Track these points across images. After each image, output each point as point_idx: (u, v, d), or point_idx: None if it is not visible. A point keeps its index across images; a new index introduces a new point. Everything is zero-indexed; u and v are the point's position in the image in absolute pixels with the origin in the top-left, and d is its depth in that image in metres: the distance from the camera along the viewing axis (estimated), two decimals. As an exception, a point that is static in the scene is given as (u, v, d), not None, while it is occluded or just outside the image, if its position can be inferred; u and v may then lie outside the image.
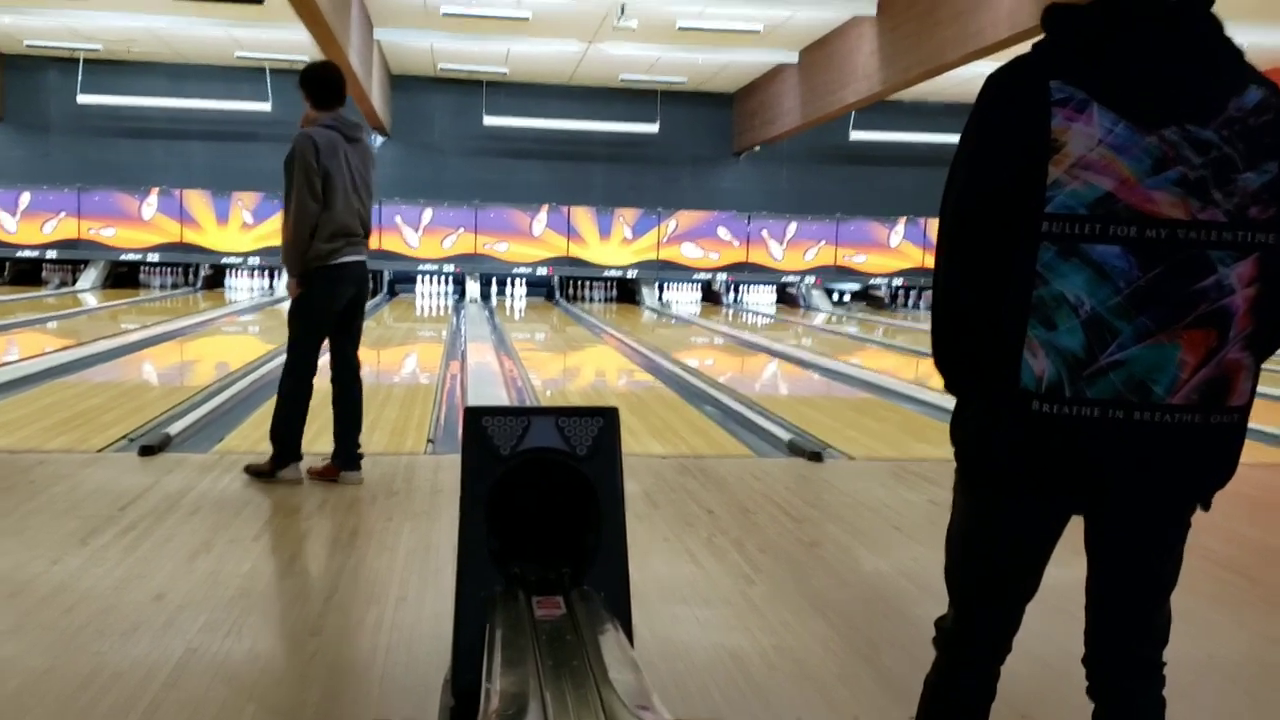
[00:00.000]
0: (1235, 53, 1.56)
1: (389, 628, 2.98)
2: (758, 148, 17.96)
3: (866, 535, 4.14)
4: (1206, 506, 1.69)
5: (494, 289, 18.03)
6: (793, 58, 15.04)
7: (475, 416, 2.23)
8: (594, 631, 1.91)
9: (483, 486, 2.19)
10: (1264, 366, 1.65)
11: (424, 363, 10.09)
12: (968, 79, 14.94)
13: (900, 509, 4.56)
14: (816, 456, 5.47)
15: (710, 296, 18.63)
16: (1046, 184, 1.51)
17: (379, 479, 4.69)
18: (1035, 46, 1.59)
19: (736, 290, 18.83)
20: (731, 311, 17.71)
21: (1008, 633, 1.80)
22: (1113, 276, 1.51)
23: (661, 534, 4.03)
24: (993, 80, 1.60)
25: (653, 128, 18.05)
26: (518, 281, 18.19)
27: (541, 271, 18.07)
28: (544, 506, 2.28)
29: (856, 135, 17.67)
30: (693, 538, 3.99)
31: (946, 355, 1.71)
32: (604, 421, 2.27)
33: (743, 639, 3.01)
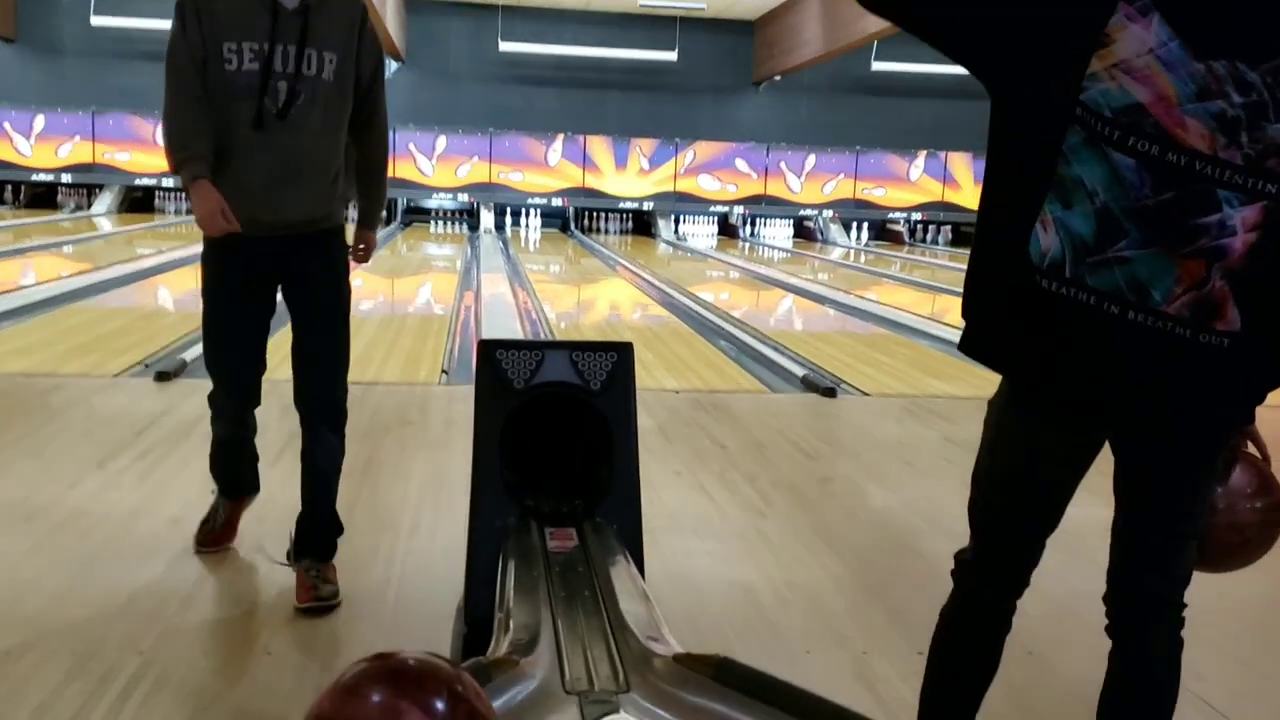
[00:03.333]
0: None
1: (402, 557, 3.00)
2: (778, 77, 17.69)
3: (878, 471, 4.14)
4: (1230, 429, 1.67)
5: (508, 219, 17.94)
6: (815, -15, 14.75)
7: (489, 349, 2.22)
8: (605, 563, 1.92)
9: (496, 419, 2.19)
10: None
11: (438, 293, 10.07)
12: (993, 9, 14.65)
13: (913, 445, 4.55)
14: (830, 392, 5.46)
15: (727, 230, 18.50)
16: (1085, 73, 1.51)
17: (393, 409, 4.70)
18: None
19: (753, 224, 18.69)
20: (748, 246, 17.59)
21: (1026, 566, 1.80)
22: (1126, 185, 1.52)
23: (674, 468, 4.03)
24: None
25: (671, 55, 17.77)
26: (532, 212, 18.08)
27: (557, 202, 17.95)
28: (557, 440, 2.28)
29: (878, 66, 17.37)
30: (705, 472, 4.00)
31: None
32: (618, 356, 2.27)
33: (754, 573, 3.02)
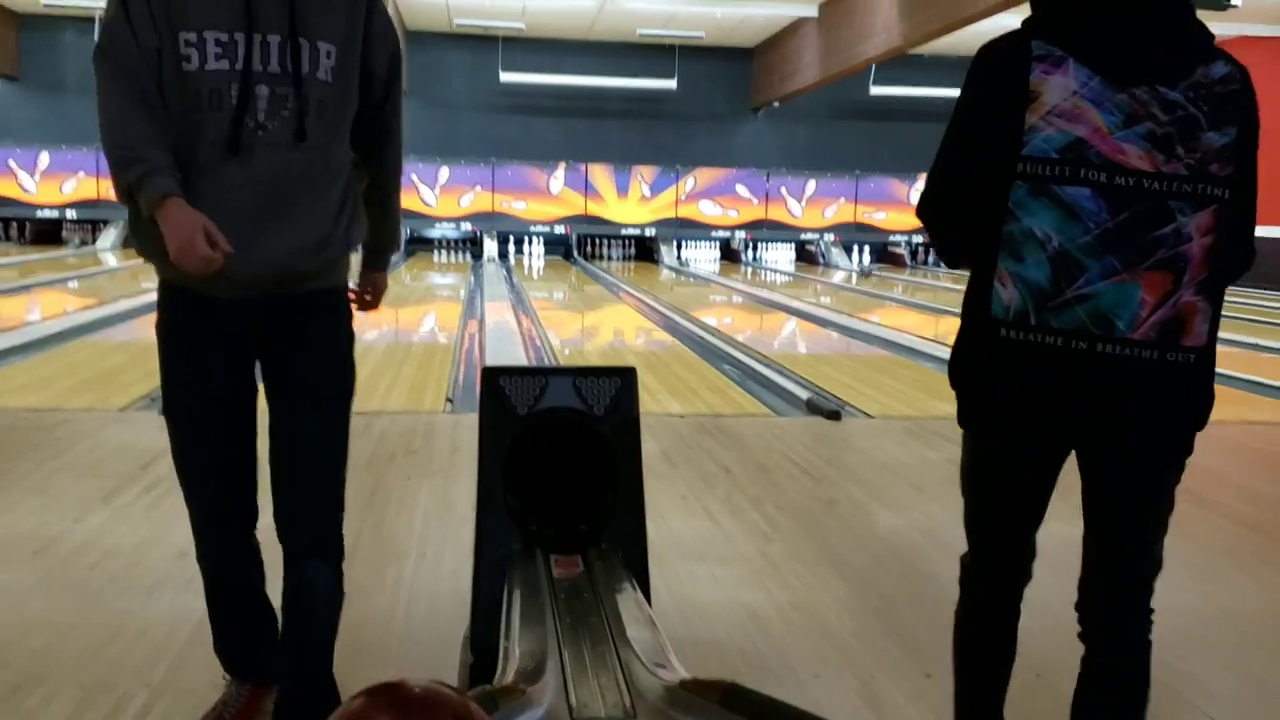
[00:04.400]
0: (1202, 29, 1.69)
1: (409, 585, 3.01)
2: (776, 103, 17.78)
3: (884, 493, 4.14)
4: (1186, 451, 1.76)
5: (511, 247, 18.00)
6: (812, 11, 14.84)
7: (493, 376, 2.23)
8: (611, 590, 1.92)
9: (500, 446, 2.19)
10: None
11: (442, 321, 10.10)
12: (989, 33, 14.66)
13: (918, 467, 4.55)
14: (835, 415, 5.46)
15: (729, 255, 18.54)
16: (1024, 130, 1.66)
17: (398, 437, 4.70)
18: (1024, 21, 1.75)
19: (755, 248, 18.73)
20: (750, 270, 17.63)
21: (1024, 559, 1.92)
22: (1083, 217, 1.64)
23: (680, 492, 4.03)
24: (985, 45, 1.77)
25: (671, 84, 17.88)
26: (535, 240, 18.15)
27: (559, 230, 18.02)
28: (562, 466, 2.28)
29: (877, 90, 17.46)
30: (711, 496, 4.00)
31: (938, 230, 1.86)
32: (622, 381, 2.27)
33: (760, 597, 3.02)
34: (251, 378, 2.06)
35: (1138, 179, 1.63)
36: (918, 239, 18.68)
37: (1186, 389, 1.69)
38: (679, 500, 3.94)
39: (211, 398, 2.01)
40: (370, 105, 2.02)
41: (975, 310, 1.74)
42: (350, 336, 2.09)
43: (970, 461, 1.88)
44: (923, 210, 1.85)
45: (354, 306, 2.14)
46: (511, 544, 2.13)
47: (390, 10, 15.03)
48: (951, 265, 1.91)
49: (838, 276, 16.79)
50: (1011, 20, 13.19)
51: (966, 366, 1.80)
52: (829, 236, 18.56)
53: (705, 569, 3.23)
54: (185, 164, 1.84)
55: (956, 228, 1.79)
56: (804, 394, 5.97)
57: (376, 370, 6.40)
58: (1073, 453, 1.79)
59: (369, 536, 3.38)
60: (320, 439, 2.03)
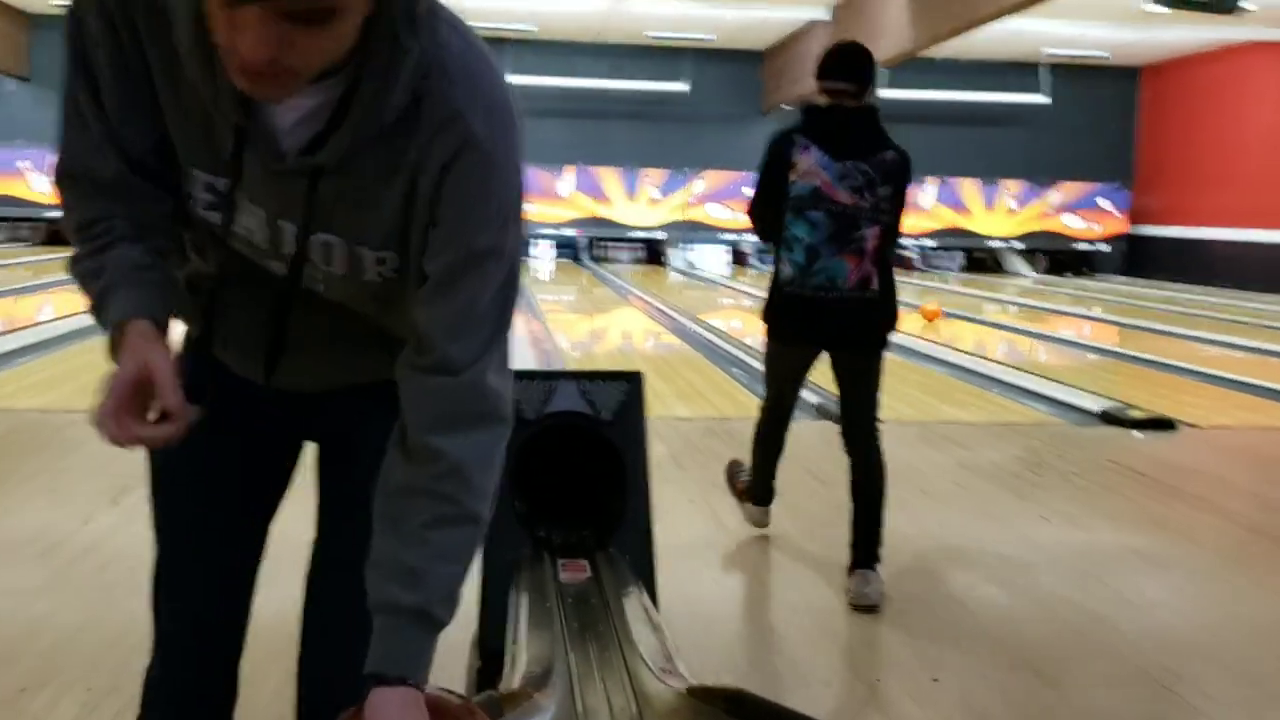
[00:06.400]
0: (882, 134, 3.12)
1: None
2: (787, 106, 17.76)
3: (892, 498, 4.11)
4: (883, 345, 3.19)
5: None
6: (825, 14, 14.83)
7: (500, 380, 2.22)
8: (618, 595, 1.92)
9: (508, 450, 2.19)
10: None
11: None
12: (1000, 36, 14.73)
13: (927, 472, 4.54)
14: (843, 419, 5.45)
15: (738, 258, 18.53)
16: (789, 182, 3.06)
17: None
18: (794, 125, 3.15)
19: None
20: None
21: (793, 403, 3.55)
22: (819, 227, 3.04)
23: (688, 495, 4.03)
24: (773, 136, 3.20)
25: (682, 86, 17.88)
26: (544, 243, 18.16)
27: (569, 232, 18.03)
28: (569, 470, 2.28)
29: (887, 94, 17.39)
30: (719, 500, 3.99)
31: (760, 231, 3.31)
32: (629, 386, 2.27)
33: (768, 601, 3.01)
34: (285, 461, 1.54)
35: (844, 208, 3.03)
36: (929, 243, 18.65)
37: (876, 311, 3.13)
38: (687, 503, 3.94)
39: (221, 467, 1.45)
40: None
41: (774, 277, 3.22)
42: None
43: (769, 354, 3.39)
44: (751, 219, 3.32)
45: None
46: (519, 548, 2.13)
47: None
48: (765, 242, 3.33)
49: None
50: (1019, 23, 13.20)
51: (770, 306, 3.26)
52: (838, 240, 18.53)
53: (712, 572, 3.23)
54: (200, 245, 1.33)
55: (765, 228, 3.23)
56: (814, 399, 5.96)
57: (385, 372, 6.40)
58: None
59: (376, 539, 3.38)
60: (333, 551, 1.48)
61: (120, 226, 1.26)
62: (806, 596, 3.07)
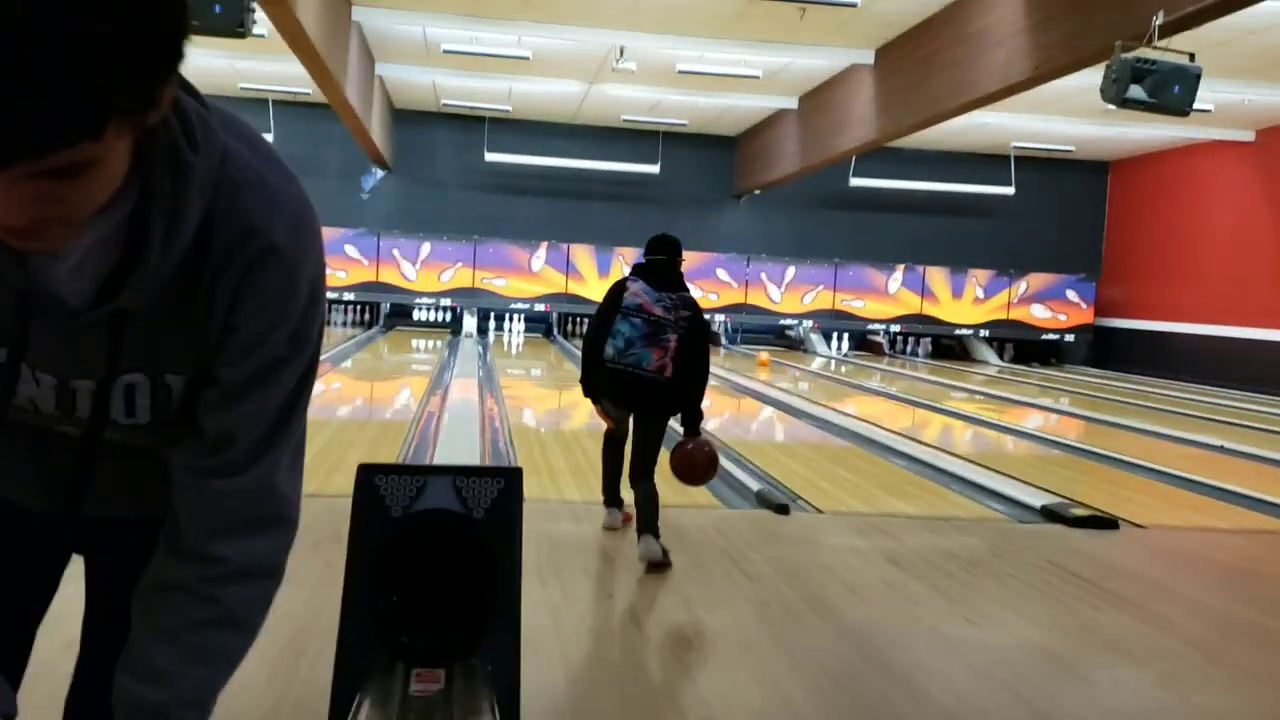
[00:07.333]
0: (683, 280, 4.53)
1: (300, 683, 2.87)
2: (758, 191, 17.96)
3: (816, 593, 4.02)
4: (668, 415, 4.48)
5: (491, 324, 17.99)
6: (792, 103, 15.07)
7: (368, 474, 2.13)
8: (466, 710, 1.82)
9: (371, 549, 2.09)
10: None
11: (405, 399, 10.00)
12: (966, 128, 14.98)
13: (858, 566, 4.44)
14: (783, 509, 5.36)
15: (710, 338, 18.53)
16: (621, 299, 4.37)
17: (327, 522, 4.57)
18: (631, 270, 4.63)
19: (735, 333, 18.78)
20: (724, 353, 17.61)
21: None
22: (639, 328, 4.30)
23: (607, 589, 3.92)
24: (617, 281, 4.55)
25: (654, 168, 18.07)
26: (516, 317, 18.15)
27: (539, 308, 18.04)
28: (438, 572, 2.18)
29: (856, 181, 17.66)
30: (638, 595, 3.88)
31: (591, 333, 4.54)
32: (504, 483, 2.18)
33: (670, 711, 2.89)
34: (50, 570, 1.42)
35: (657, 319, 4.30)
36: (895, 328, 18.75)
37: (665, 391, 4.33)
38: (606, 599, 3.82)
39: None
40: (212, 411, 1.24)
41: (599, 358, 4.40)
42: None
43: (601, 410, 4.58)
44: (590, 331, 4.57)
45: None
46: (375, 655, 2.02)
47: (377, 90, 15.24)
48: (588, 345, 4.53)
49: (816, 363, 16.78)
50: (986, 116, 13.42)
51: (590, 378, 4.53)
52: (807, 323, 18.61)
53: (610, 675, 3.11)
54: None
55: (596, 332, 4.45)
56: (755, 484, 5.87)
57: (325, 449, 6.28)
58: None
59: (275, 626, 3.24)
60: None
61: None
62: (709, 706, 2.94)
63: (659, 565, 4.13)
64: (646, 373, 4.26)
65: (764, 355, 15.72)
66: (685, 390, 4.33)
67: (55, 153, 0.84)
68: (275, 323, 1.14)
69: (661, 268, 4.43)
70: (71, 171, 0.88)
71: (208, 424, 1.17)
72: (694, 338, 4.35)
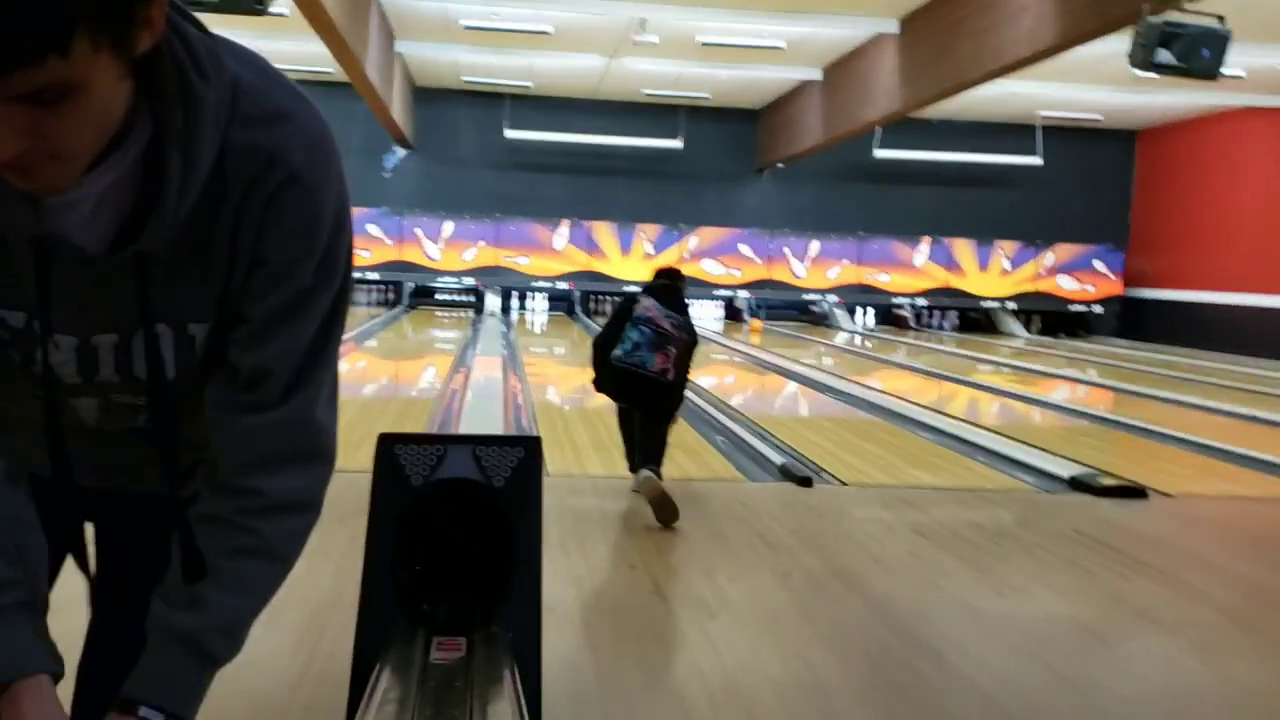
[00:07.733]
0: (684, 300, 4.92)
1: (323, 657, 2.89)
2: (781, 164, 17.83)
3: (842, 565, 4.00)
4: (671, 414, 4.78)
5: (514, 302, 18.00)
6: (816, 75, 14.92)
7: (388, 444, 2.13)
8: (487, 678, 1.81)
9: (391, 519, 2.09)
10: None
11: (430, 378, 10.02)
12: (993, 98, 14.78)
13: (882, 538, 4.42)
14: (806, 482, 5.34)
15: (732, 313, 18.48)
16: (633, 312, 4.69)
17: (352, 497, 4.59)
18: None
19: (758, 309, 18.72)
20: (747, 329, 17.55)
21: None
22: (646, 335, 4.56)
23: (629, 560, 3.91)
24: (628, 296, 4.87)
25: (676, 143, 17.97)
26: (538, 295, 18.15)
27: (562, 286, 18.02)
28: (458, 541, 2.18)
29: (881, 153, 17.49)
30: (660, 565, 3.87)
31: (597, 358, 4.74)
32: (524, 452, 2.17)
33: (692, 678, 2.89)
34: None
35: (665, 331, 4.63)
36: (921, 301, 18.61)
37: (667, 391, 4.61)
38: (628, 570, 3.82)
39: None
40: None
41: (607, 357, 4.60)
42: None
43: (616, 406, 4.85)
44: (599, 337, 4.76)
45: None
46: (396, 623, 2.02)
47: (397, 68, 15.21)
48: (597, 350, 4.74)
49: (840, 338, 16.70)
50: (1012, 85, 13.23)
51: (600, 375, 4.71)
52: (832, 297, 18.51)
53: (639, 646, 3.10)
54: None
55: (605, 338, 4.70)
56: (780, 459, 5.85)
57: (350, 425, 6.28)
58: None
59: (296, 603, 3.27)
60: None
61: None
62: (730, 674, 2.94)
63: (661, 503, 4.32)
64: (650, 373, 4.52)
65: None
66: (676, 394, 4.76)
67: (21, 70, 0.81)
68: (302, 253, 1.12)
69: (668, 291, 4.81)
70: (50, 97, 0.85)
71: (240, 361, 1.16)
72: (684, 360, 4.71)
